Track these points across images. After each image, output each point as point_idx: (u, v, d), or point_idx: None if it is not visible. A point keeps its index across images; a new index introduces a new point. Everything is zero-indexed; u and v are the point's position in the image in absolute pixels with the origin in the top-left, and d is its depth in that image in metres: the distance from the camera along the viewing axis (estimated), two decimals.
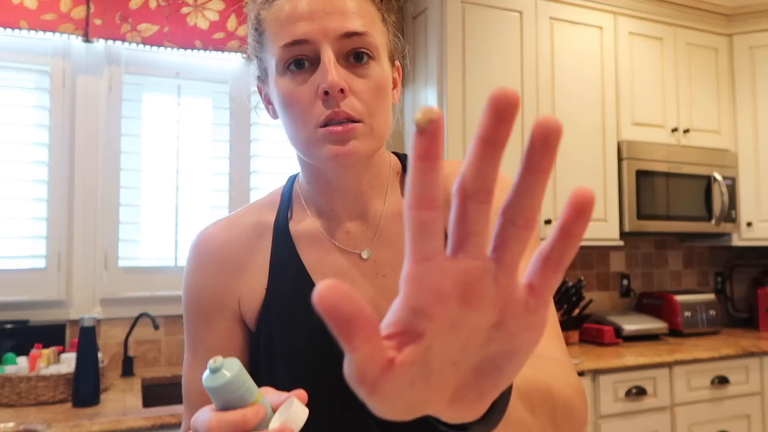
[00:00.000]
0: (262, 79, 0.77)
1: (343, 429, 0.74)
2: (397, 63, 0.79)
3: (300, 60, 0.70)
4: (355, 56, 0.70)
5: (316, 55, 0.69)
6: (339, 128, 0.68)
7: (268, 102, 0.79)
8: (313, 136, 0.70)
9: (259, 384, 0.76)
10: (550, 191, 2.60)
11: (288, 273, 0.77)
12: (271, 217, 0.80)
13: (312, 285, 0.76)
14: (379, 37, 0.73)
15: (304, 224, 0.79)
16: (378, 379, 0.29)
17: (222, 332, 0.78)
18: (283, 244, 0.78)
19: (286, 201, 0.81)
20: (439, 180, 0.29)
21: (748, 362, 2.60)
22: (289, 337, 0.75)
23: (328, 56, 0.68)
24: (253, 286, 0.78)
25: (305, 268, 0.77)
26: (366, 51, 0.70)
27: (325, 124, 0.69)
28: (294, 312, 0.75)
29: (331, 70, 0.67)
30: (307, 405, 0.60)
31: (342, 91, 0.68)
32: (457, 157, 2.41)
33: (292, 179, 0.84)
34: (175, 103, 2.38)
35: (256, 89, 0.81)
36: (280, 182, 0.86)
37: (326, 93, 0.68)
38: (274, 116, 0.78)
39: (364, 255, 0.77)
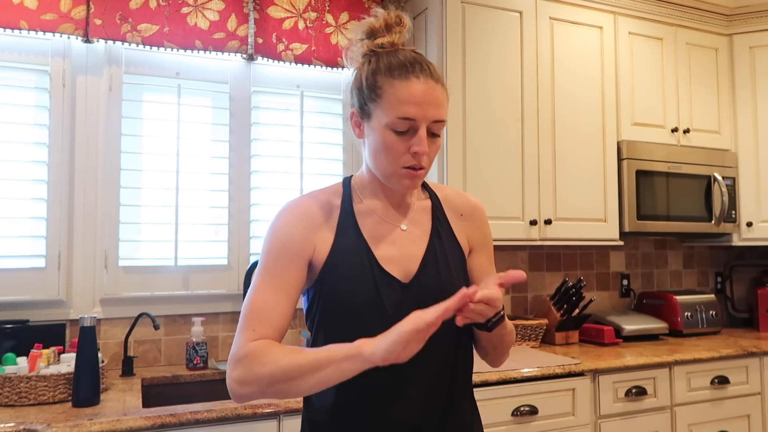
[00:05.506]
0: (361, 115, 1.10)
1: (386, 372, 1.01)
2: None
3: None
4: (433, 132, 1.07)
5: (415, 126, 1.05)
6: (415, 173, 1.07)
7: (357, 126, 1.12)
8: (398, 172, 1.07)
9: (316, 328, 1.11)
10: (551, 191, 2.60)
11: (349, 237, 1.10)
12: (337, 201, 1.15)
13: (366, 246, 1.10)
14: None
15: (362, 205, 1.15)
16: None
17: (298, 269, 1.08)
18: (347, 217, 1.12)
19: (348, 191, 1.16)
20: None
21: (748, 362, 2.60)
22: (346, 289, 1.06)
23: (424, 133, 1.05)
24: (324, 240, 1.10)
25: (362, 233, 1.11)
26: (440, 132, 1.08)
27: (407, 167, 1.07)
28: (351, 269, 1.07)
29: (425, 144, 1.05)
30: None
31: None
32: (456, 155, 2.41)
33: (348, 179, 1.19)
34: (175, 103, 2.38)
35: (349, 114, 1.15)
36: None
37: (416, 153, 1.05)
38: (360, 136, 1.12)
39: (403, 227, 1.15)
